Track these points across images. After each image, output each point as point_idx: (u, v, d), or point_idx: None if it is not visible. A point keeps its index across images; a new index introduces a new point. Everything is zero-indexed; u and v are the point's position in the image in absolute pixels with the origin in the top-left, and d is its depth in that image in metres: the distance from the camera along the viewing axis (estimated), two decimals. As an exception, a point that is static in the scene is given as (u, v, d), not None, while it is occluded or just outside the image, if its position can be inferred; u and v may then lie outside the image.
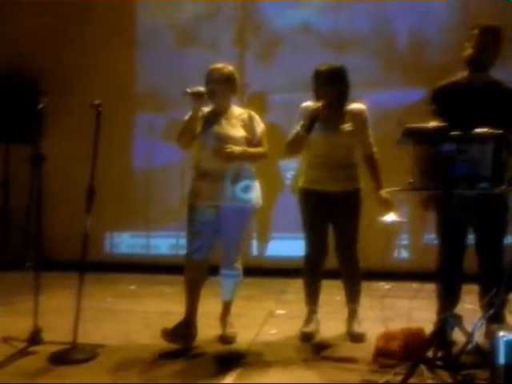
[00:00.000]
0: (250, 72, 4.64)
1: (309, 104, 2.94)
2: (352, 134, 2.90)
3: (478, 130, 2.14)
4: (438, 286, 2.64)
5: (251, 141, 2.90)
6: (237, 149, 2.79)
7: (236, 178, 2.86)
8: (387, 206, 2.83)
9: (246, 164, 2.90)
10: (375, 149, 2.97)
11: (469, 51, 2.63)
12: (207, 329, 2.98)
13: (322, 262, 3.02)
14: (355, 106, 2.96)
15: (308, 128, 2.78)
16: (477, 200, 2.44)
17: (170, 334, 2.78)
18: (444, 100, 2.58)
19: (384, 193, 2.85)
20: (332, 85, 2.87)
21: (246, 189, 2.89)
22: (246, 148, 2.85)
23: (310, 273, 3.03)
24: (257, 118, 2.97)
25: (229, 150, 2.76)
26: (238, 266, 2.98)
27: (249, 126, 2.92)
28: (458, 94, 2.62)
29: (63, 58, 4.96)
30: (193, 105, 2.81)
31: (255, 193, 2.94)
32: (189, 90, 2.75)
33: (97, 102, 2.74)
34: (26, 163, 2.98)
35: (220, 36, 4.91)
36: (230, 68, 2.93)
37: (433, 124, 2.23)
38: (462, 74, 2.71)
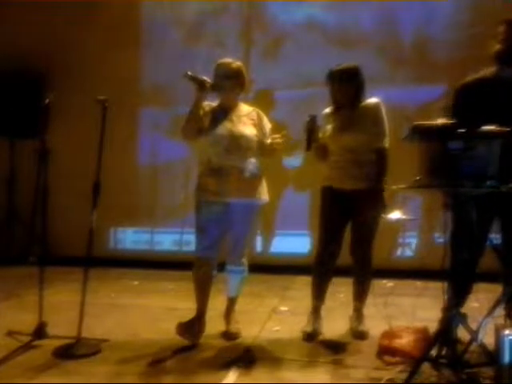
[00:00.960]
0: (256, 68, 4.63)
1: (327, 111, 2.98)
2: (366, 131, 2.87)
3: (485, 127, 2.12)
4: (449, 284, 2.61)
5: (261, 140, 2.91)
6: (254, 170, 2.83)
7: (245, 174, 2.85)
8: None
9: (254, 160, 2.89)
10: (387, 144, 2.92)
11: (497, 46, 2.57)
12: (211, 325, 2.98)
13: (332, 261, 2.97)
14: (369, 101, 2.94)
15: (307, 147, 2.85)
16: (500, 199, 2.39)
17: (184, 329, 2.78)
18: (471, 97, 2.52)
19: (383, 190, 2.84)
20: (343, 85, 2.87)
21: (255, 184, 2.89)
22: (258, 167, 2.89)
23: (319, 271, 3.00)
24: (264, 117, 2.98)
25: (250, 173, 2.80)
26: (245, 261, 2.98)
27: (258, 125, 2.92)
28: (488, 89, 2.54)
29: (69, 53, 4.97)
30: (195, 94, 2.80)
31: (263, 188, 2.95)
32: (190, 73, 2.73)
33: (102, 97, 2.74)
34: (31, 158, 2.99)
35: (225, 33, 4.91)
36: (239, 63, 2.92)
37: (440, 121, 2.21)
38: (488, 70, 2.63)
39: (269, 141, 2.84)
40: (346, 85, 2.88)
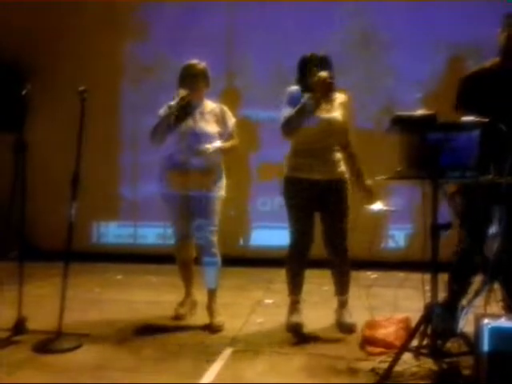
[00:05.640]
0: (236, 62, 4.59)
1: (295, 88, 2.94)
2: (339, 121, 2.88)
3: (465, 118, 2.13)
4: (450, 276, 2.62)
5: (223, 135, 3.07)
6: (212, 146, 2.97)
7: (205, 171, 3.01)
8: (370, 194, 2.84)
9: (215, 157, 3.02)
10: (350, 137, 2.98)
11: (504, 41, 2.55)
12: (194, 318, 2.98)
13: (307, 252, 2.98)
14: (340, 95, 2.97)
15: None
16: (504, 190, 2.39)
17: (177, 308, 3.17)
18: (474, 87, 2.52)
19: (368, 181, 2.86)
20: (328, 70, 2.84)
21: (214, 179, 3.05)
22: (220, 144, 3.03)
23: (296, 262, 2.99)
24: (228, 111, 3.15)
25: (205, 149, 2.95)
26: (216, 251, 3.06)
27: (221, 120, 3.10)
28: (491, 80, 2.54)
29: (48, 44, 4.88)
30: (174, 103, 2.95)
31: (221, 184, 3.10)
32: (172, 103, 2.94)
33: (82, 88, 2.70)
34: (9, 151, 2.93)
35: (208, 25, 4.84)
36: (204, 64, 3.11)
37: (420, 112, 2.22)
38: (493, 61, 2.64)
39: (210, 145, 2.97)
40: (325, 71, 2.82)
